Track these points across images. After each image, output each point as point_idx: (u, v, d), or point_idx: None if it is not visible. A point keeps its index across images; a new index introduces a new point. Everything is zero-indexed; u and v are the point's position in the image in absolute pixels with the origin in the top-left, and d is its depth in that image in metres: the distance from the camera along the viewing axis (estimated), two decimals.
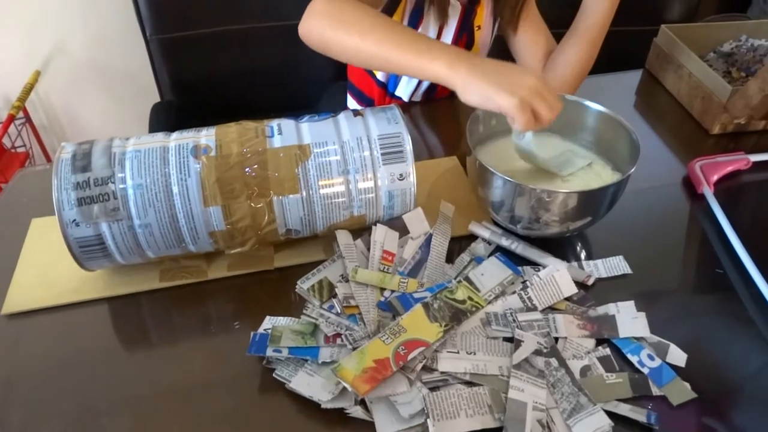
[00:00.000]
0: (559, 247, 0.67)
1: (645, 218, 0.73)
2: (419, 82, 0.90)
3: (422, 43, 0.59)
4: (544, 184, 0.65)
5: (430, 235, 0.64)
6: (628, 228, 0.71)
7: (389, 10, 0.81)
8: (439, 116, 0.92)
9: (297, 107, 1.34)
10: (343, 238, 0.62)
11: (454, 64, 0.56)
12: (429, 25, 0.83)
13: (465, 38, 0.88)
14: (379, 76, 0.92)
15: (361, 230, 0.64)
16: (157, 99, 1.35)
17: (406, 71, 0.60)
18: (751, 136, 0.86)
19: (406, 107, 0.92)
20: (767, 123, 0.84)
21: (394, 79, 0.91)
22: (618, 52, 1.02)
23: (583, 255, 0.67)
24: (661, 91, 0.97)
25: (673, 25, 0.98)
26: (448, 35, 0.85)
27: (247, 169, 0.57)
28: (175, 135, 0.60)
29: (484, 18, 0.88)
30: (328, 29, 0.62)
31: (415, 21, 0.83)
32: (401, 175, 0.60)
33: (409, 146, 0.60)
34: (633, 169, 0.62)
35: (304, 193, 0.58)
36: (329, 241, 0.64)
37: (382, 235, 0.62)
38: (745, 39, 1.00)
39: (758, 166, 0.79)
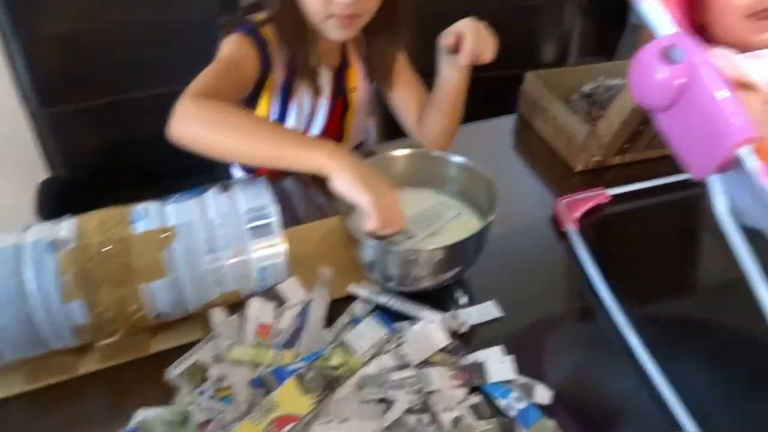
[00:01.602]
0: (437, 297, 0.69)
1: (518, 259, 0.77)
2: None
3: (298, 137, 0.66)
4: (410, 241, 0.68)
5: (309, 302, 0.65)
6: (504, 270, 0.75)
7: (257, 90, 0.83)
8: (321, 178, 0.94)
9: (196, 171, 1.33)
10: (217, 316, 0.62)
11: (335, 155, 0.62)
12: (303, 96, 0.86)
13: (340, 102, 0.91)
14: None
15: (237, 304, 0.64)
16: (45, 175, 1.30)
17: (286, 164, 0.64)
18: (611, 171, 0.93)
19: (287, 172, 0.93)
20: (622, 158, 0.92)
21: None
22: (497, 96, 1.09)
23: (463, 301, 0.70)
24: (534, 133, 1.04)
25: (538, 71, 1.06)
26: (323, 102, 0.88)
27: (109, 258, 0.57)
28: (33, 229, 0.59)
29: (358, 80, 0.92)
30: (203, 132, 0.65)
31: (286, 94, 0.85)
32: (271, 246, 0.62)
33: (276, 218, 0.62)
34: (492, 218, 0.66)
35: (171, 276, 0.58)
36: (207, 318, 0.64)
37: (256, 309, 0.62)
38: (603, 79, 1.09)
39: (617, 198, 0.85)
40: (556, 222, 0.83)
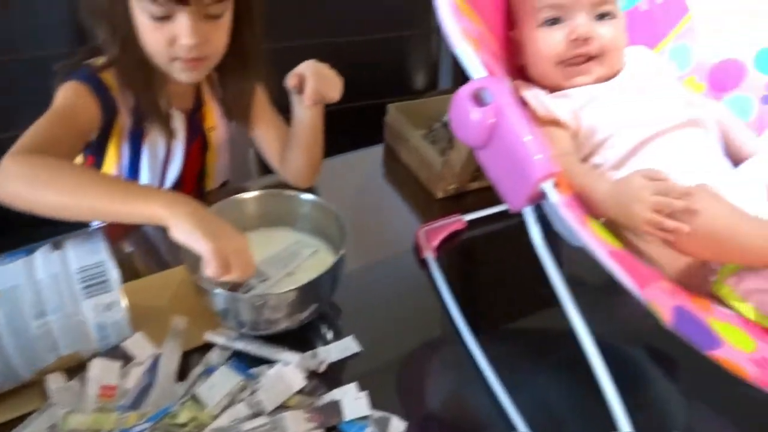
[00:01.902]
0: (300, 335, 0.69)
1: (382, 290, 0.79)
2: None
3: (133, 189, 0.64)
4: (265, 284, 0.68)
5: (159, 356, 0.63)
6: (367, 303, 0.76)
7: (103, 138, 0.80)
8: None
9: (53, 221, 1.25)
10: (54, 382, 0.58)
11: (172, 205, 0.60)
12: (156, 139, 0.83)
13: (198, 143, 0.89)
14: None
15: (80, 367, 0.61)
16: None
17: (122, 218, 0.62)
18: (469, 196, 0.97)
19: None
20: (480, 183, 0.97)
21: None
22: (372, 125, 1.12)
23: (329, 336, 0.70)
24: (400, 163, 1.07)
25: (399, 103, 1.10)
26: (178, 145, 0.86)
27: None
28: None
29: (215, 119, 0.91)
30: (26, 190, 0.62)
31: (137, 138, 0.82)
32: (109, 304, 0.59)
33: (113, 274, 0.59)
34: (342, 253, 0.67)
35: None
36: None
37: (98, 370, 0.59)
38: None
39: (473, 223, 0.90)
40: (418, 251, 0.85)
